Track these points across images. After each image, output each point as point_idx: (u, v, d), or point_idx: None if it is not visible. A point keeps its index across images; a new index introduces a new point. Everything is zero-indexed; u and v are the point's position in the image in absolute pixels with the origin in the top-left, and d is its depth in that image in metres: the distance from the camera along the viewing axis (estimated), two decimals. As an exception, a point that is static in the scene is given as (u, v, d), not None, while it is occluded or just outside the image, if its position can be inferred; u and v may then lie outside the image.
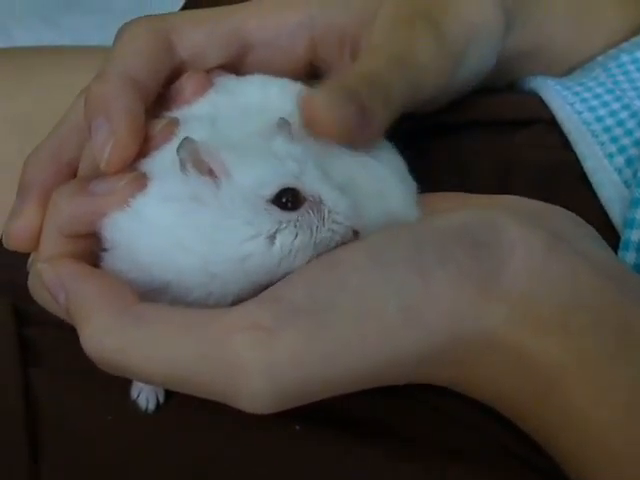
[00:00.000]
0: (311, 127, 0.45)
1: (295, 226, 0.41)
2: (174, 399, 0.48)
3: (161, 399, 0.48)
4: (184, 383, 0.39)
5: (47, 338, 0.52)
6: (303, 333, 0.38)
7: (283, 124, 0.43)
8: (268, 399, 0.38)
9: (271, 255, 0.41)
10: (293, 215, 0.41)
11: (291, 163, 0.41)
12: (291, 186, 0.41)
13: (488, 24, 0.56)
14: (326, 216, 0.41)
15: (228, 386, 0.38)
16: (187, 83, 0.49)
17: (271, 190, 0.41)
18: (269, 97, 0.49)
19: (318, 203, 0.41)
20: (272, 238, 0.41)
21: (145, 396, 0.48)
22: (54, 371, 0.51)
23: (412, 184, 0.49)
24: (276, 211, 0.41)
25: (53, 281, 0.43)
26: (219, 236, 0.41)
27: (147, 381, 0.43)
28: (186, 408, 0.48)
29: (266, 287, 0.40)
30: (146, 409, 0.48)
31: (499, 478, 0.46)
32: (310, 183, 0.41)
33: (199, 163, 0.41)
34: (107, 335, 0.39)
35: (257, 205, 0.41)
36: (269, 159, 0.42)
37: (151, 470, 0.46)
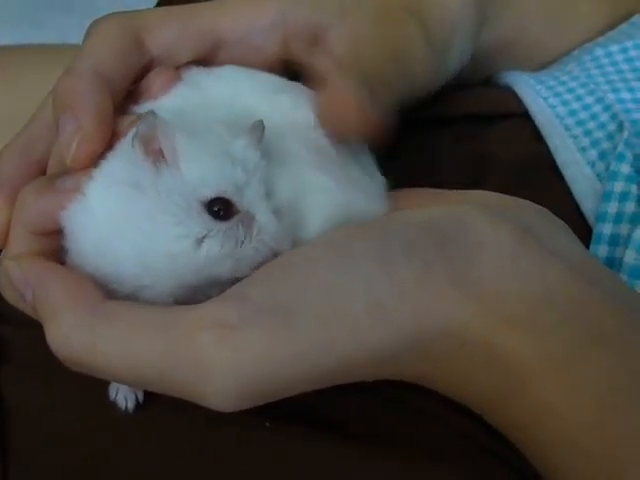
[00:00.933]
0: (338, 127, 0.46)
1: (222, 236, 0.41)
2: (146, 398, 0.48)
3: (140, 398, 0.47)
4: (151, 381, 0.39)
5: (18, 336, 0.52)
6: (268, 331, 0.38)
7: (257, 127, 0.43)
8: (233, 397, 0.38)
9: (197, 258, 0.41)
10: (222, 225, 0.41)
11: (240, 172, 0.41)
12: (226, 196, 0.41)
13: (466, 18, 0.56)
14: (254, 234, 0.41)
15: (194, 384, 0.38)
16: (155, 78, 0.48)
17: (208, 194, 0.41)
18: (239, 93, 0.48)
19: (250, 219, 0.41)
20: (199, 242, 0.41)
21: (123, 395, 0.48)
22: (24, 369, 0.51)
23: (380, 179, 0.49)
24: (206, 217, 0.41)
25: (20, 279, 0.42)
26: (151, 229, 0.41)
27: (115, 379, 0.43)
28: (157, 407, 0.48)
29: (197, 287, 0.41)
30: (126, 408, 0.47)
31: (479, 478, 0.46)
32: (249, 197, 0.41)
33: (149, 141, 0.41)
34: (74, 334, 0.39)
35: (191, 205, 0.41)
36: (220, 160, 0.41)
37: (121, 470, 0.46)
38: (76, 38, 0.50)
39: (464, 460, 0.46)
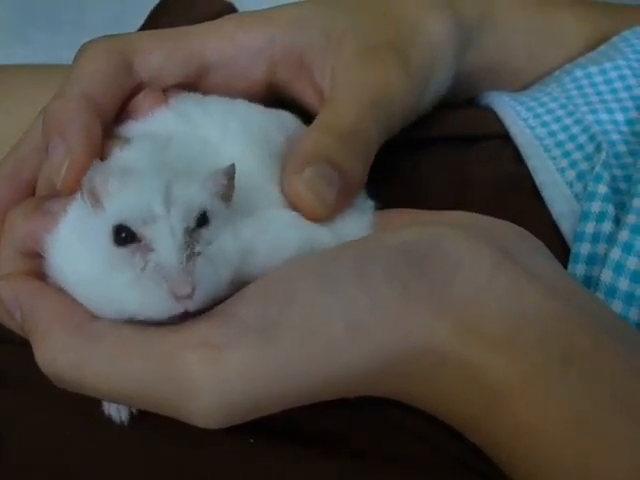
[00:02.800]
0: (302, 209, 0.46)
1: (120, 262, 0.40)
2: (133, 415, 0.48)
3: (134, 410, 0.48)
4: (138, 399, 0.40)
5: (10, 355, 0.53)
6: (252, 350, 0.39)
7: (225, 173, 0.43)
8: (218, 415, 0.39)
9: (108, 287, 0.41)
10: (119, 250, 0.40)
11: (156, 205, 0.40)
12: (127, 224, 0.40)
13: (448, 48, 0.57)
14: (149, 266, 0.40)
15: (179, 402, 0.39)
16: (144, 101, 0.49)
17: (113, 222, 0.40)
18: (227, 132, 0.48)
19: (147, 250, 0.40)
20: (109, 269, 0.41)
21: (116, 407, 0.48)
22: (15, 388, 0.51)
23: (368, 205, 0.50)
24: (111, 244, 0.41)
25: (9, 298, 0.43)
26: (87, 259, 0.42)
27: (103, 398, 0.44)
28: (144, 424, 0.48)
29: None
30: (120, 421, 0.48)
31: None
32: (156, 231, 0.40)
33: (89, 188, 0.42)
34: (62, 353, 0.40)
35: (109, 236, 0.41)
36: (136, 193, 0.41)
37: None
38: (64, 54, 0.51)
39: (438, 473, 0.47)
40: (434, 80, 0.56)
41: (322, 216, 0.46)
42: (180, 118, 0.49)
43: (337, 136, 0.48)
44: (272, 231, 0.44)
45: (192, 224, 0.40)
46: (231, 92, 0.53)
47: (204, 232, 0.41)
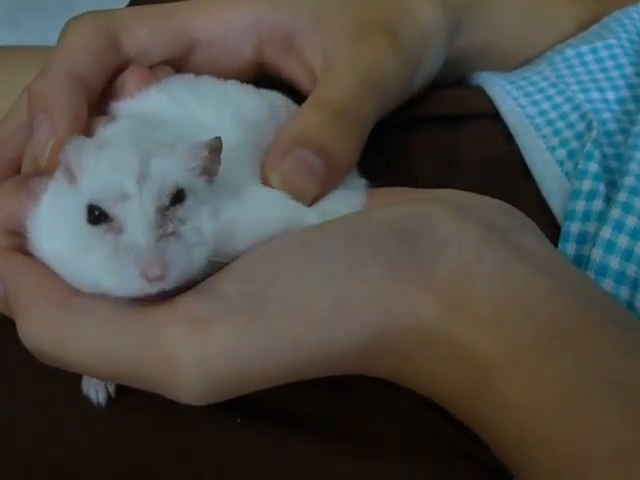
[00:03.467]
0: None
1: (92, 241, 0.40)
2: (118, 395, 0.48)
3: (112, 392, 0.47)
4: (121, 374, 0.40)
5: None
6: (237, 326, 0.38)
7: (206, 145, 0.41)
8: (203, 390, 0.39)
9: (82, 266, 0.40)
10: (91, 230, 0.40)
11: (128, 183, 0.39)
12: (98, 204, 0.39)
13: (439, 30, 0.57)
14: (121, 245, 0.39)
15: (163, 377, 0.38)
16: (130, 77, 0.49)
17: (85, 201, 0.40)
18: (222, 121, 0.47)
19: (118, 229, 0.39)
20: (84, 250, 0.40)
21: (95, 389, 0.47)
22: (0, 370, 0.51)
23: (360, 183, 0.49)
24: (85, 223, 0.40)
25: None
26: (64, 237, 0.41)
27: (86, 373, 0.44)
28: (129, 405, 0.48)
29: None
30: (98, 403, 0.47)
31: (450, 477, 0.46)
32: (128, 209, 0.39)
33: (64, 163, 0.41)
34: (45, 326, 0.40)
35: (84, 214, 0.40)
36: (108, 171, 0.40)
37: (93, 469, 0.46)
38: (55, 40, 0.51)
39: (435, 459, 0.47)
40: (425, 61, 0.55)
41: (304, 203, 0.45)
42: (173, 101, 0.48)
43: (328, 115, 0.47)
44: (255, 212, 0.43)
45: (166, 202, 0.40)
46: (218, 70, 0.52)
47: (179, 210, 0.40)
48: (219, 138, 0.41)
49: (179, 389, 0.39)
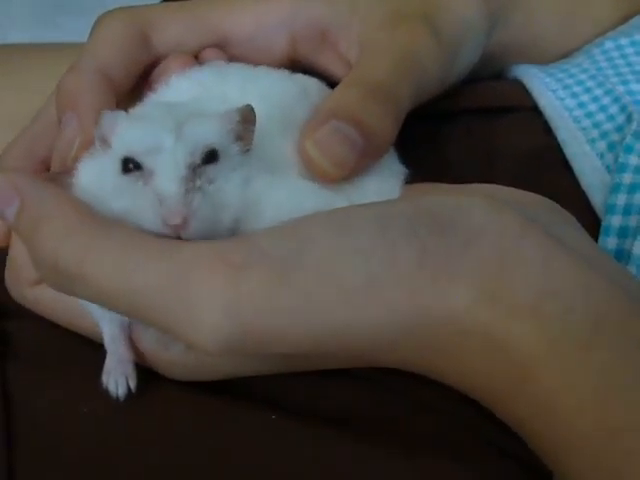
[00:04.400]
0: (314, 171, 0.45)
1: (124, 188, 0.41)
2: (149, 390, 0.47)
3: (132, 385, 0.46)
4: (140, 310, 0.38)
5: (25, 332, 0.51)
6: (268, 278, 0.37)
7: (238, 111, 0.42)
8: (223, 336, 0.37)
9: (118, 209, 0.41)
10: (124, 178, 0.41)
11: (163, 138, 0.40)
12: (132, 155, 0.40)
13: (476, 18, 0.56)
14: (150, 191, 0.40)
15: (185, 317, 0.37)
16: (172, 63, 0.49)
17: (120, 155, 0.41)
18: (246, 95, 0.47)
19: (148, 177, 0.40)
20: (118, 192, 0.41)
21: (114, 380, 0.46)
22: (31, 365, 0.50)
23: (397, 170, 0.49)
24: (119, 175, 0.41)
25: (5, 187, 0.40)
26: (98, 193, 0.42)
27: (100, 303, 0.40)
28: (160, 398, 0.47)
29: None
30: (117, 396, 0.46)
31: (484, 472, 0.45)
32: (160, 161, 0.40)
33: (99, 135, 0.42)
34: (67, 238, 0.38)
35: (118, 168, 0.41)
36: (140, 127, 0.41)
37: (120, 463, 0.46)
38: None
39: (468, 454, 0.46)
40: (463, 53, 0.55)
41: (336, 178, 0.45)
42: (197, 86, 0.48)
43: (365, 90, 0.46)
44: (285, 195, 0.43)
45: (197, 159, 0.40)
46: None
47: (209, 170, 0.41)
48: (250, 106, 0.42)
49: (199, 332, 0.37)
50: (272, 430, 0.46)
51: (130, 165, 0.40)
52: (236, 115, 0.42)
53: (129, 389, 0.46)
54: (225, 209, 0.41)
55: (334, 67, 0.54)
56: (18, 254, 0.46)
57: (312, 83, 0.51)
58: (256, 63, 0.52)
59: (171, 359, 0.45)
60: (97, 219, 0.39)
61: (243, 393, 0.47)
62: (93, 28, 0.50)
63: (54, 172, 0.47)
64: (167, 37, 0.51)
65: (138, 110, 0.45)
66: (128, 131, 0.41)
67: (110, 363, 0.46)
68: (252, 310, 0.37)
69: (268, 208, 0.42)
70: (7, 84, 0.67)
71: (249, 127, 0.42)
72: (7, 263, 0.47)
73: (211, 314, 0.37)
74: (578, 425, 0.37)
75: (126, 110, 0.44)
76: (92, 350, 0.47)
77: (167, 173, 0.40)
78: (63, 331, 0.47)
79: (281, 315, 0.37)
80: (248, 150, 0.42)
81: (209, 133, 0.41)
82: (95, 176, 0.42)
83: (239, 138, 0.42)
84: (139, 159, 0.40)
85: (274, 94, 0.48)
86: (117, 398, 0.45)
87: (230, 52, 0.53)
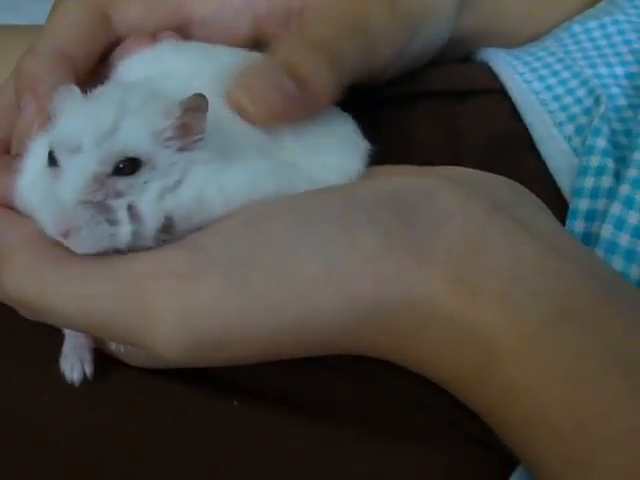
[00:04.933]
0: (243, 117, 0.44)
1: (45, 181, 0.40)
2: (112, 375, 0.47)
3: (87, 370, 0.45)
4: (101, 327, 0.39)
5: None
6: (219, 285, 0.37)
7: (184, 105, 0.40)
8: (181, 344, 0.38)
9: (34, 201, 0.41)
10: (49, 173, 0.40)
11: (89, 137, 0.39)
12: (54, 150, 0.40)
13: (442, 2, 0.56)
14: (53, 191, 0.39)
15: (142, 330, 0.38)
16: (132, 44, 0.48)
17: (50, 146, 0.40)
18: (200, 74, 0.46)
19: (59, 177, 0.39)
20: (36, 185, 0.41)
21: (70, 365, 0.46)
22: None
23: (360, 145, 0.48)
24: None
25: None
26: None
27: (65, 325, 0.43)
28: (122, 385, 0.47)
29: None
30: (72, 381, 0.45)
31: (451, 457, 0.45)
32: (70, 163, 0.39)
33: (51, 110, 0.41)
34: (28, 273, 0.39)
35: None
36: (85, 121, 0.40)
37: (88, 452, 0.45)
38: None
39: (435, 440, 0.45)
40: (426, 28, 0.54)
41: (266, 123, 0.44)
42: (155, 62, 0.47)
43: (305, 44, 0.46)
44: (241, 176, 0.42)
45: (109, 169, 0.39)
46: None
47: (120, 182, 0.39)
48: (200, 95, 0.40)
49: (156, 342, 0.38)
50: (235, 416, 0.45)
51: (52, 157, 0.39)
52: (177, 109, 0.40)
53: (85, 375, 0.45)
54: (122, 226, 0.39)
55: None
56: None
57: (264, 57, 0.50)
58: (219, 44, 0.51)
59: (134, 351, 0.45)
60: (55, 252, 0.40)
61: (206, 378, 0.46)
62: (52, 8, 0.49)
63: (12, 156, 0.46)
64: (128, 17, 0.50)
65: (96, 92, 0.43)
66: (63, 120, 0.40)
67: (67, 348, 0.45)
68: (202, 318, 0.37)
69: (217, 198, 0.41)
70: None
71: (199, 116, 0.40)
72: None
73: (163, 326, 0.37)
74: (545, 412, 0.37)
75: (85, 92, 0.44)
76: (55, 336, 0.46)
77: (70, 178, 0.39)
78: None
79: (231, 320, 0.38)
80: (199, 140, 0.40)
81: (136, 139, 0.39)
82: (32, 161, 0.42)
83: (182, 133, 0.40)
84: (58, 155, 0.39)
85: (227, 67, 0.47)
86: (73, 383, 0.45)
87: (192, 32, 0.52)
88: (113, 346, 0.45)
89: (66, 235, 0.38)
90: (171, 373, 0.46)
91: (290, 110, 0.44)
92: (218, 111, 0.42)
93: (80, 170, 0.39)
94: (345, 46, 0.47)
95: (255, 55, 0.49)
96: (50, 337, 0.46)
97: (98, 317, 0.38)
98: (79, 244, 0.39)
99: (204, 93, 0.40)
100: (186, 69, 0.46)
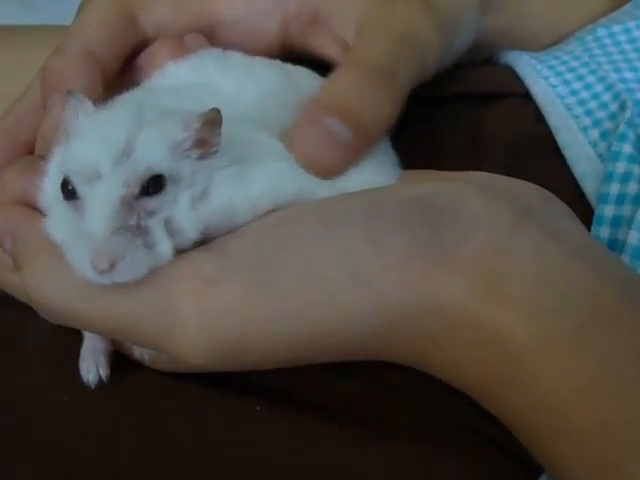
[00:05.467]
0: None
1: (62, 217, 0.39)
2: (131, 377, 0.47)
3: (102, 373, 0.45)
4: (124, 331, 0.39)
5: (7, 318, 0.51)
6: (244, 288, 0.37)
7: (202, 118, 0.39)
8: (203, 348, 0.38)
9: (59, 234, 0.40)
10: (67, 204, 0.38)
11: (107, 161, 0.37)
12: (69, 179, 0.38)
13: (472, 2, 0.55)
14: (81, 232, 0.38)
15: (166, 335, 0.38)
16: (160, 49, 0.47)
17: (63, 175, 0.38)
18: (244, 94, 0.46)
19: (80, 208, 0.38)
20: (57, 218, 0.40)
21: (86, 367, 0.45)
22: (10, 352, 0.50)
23: (388, 159, 0.48)
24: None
25: (2, 224, 0.42)
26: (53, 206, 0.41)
27: (86, 328, 0.43)
28: (143, 390, 0.47)
29: None
30: (87, 383, 0.45)
31: (467, 461, 0.45)
32: (92, 193, 0.37)
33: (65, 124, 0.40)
34: (50, 276, 0.39)
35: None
36: (99, 144, 0.38)
37: (106, 452, 0.45)
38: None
39: (453, 443, 0.45)
40: (459, 33, 0.54)
41: (325, 175, 0.44)
42: (195, 72, 0.46)
43: (362, 74, 0.45)
44: (264, 180, 0.41)
45: (135, 191, 0.37)
46: (242, 51, 0.50)
47: (149, 202, 0.38)
48: (216, 110, 0.39)
49: (180, 347, 0.38)
50: (255, 418, 0.45)
51: (69, 189, 0.38)
52: (196, 121, 0.38)
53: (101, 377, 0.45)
54: (163, 243, 0.38)
55: (328, 48, 0.52)
56: None
57: (303, 72, 0.50)
58: (247, 47, 0.51)
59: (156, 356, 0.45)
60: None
61: (225, 381, 0.46)
62: (79, 9, 0.49)
63: (36, 156, 0.45)
64: (154, 18, 0.49)
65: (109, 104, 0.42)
66: (76, 143, 0.39)
67: (85, 350, 0.45)
68: (225, 322, 0.37)
69: (243, 202, 0.40)
70: None
71: (214, 131, 0.39)
72: None
73: (187, 330, 0.37)
74: (574, 418, 0.37)
75: (112, 96, 0.43)
76: (71, 337, 0.46)
77: (96, 209, 0.37)
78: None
79: (254, 323, 0.38)
80: (214, 152, 0.39)
81: (156, 155, 0.38)
82: (56, 166, 0.41)
83: (199, 145, 0.39)
84: (75, 185, 0.38)
85: (269, 85, 0.47)
86: (87, 384, 0.45)
87: (219, 34, 0.51)
88: (137, 352, 0.45)
89: (110, 269, 0.36)
90: (191, 376, 0.46)
91: (349, 159, 0.44)
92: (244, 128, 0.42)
93: (105, 198, 0.37)
94: (405, 76, 0.46)
95: (300, 73, 0.50)
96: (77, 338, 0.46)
97: (120, 323, 0.38)
98: (124, 274, 0.37)
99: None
100: (229, 88, 0.46)
